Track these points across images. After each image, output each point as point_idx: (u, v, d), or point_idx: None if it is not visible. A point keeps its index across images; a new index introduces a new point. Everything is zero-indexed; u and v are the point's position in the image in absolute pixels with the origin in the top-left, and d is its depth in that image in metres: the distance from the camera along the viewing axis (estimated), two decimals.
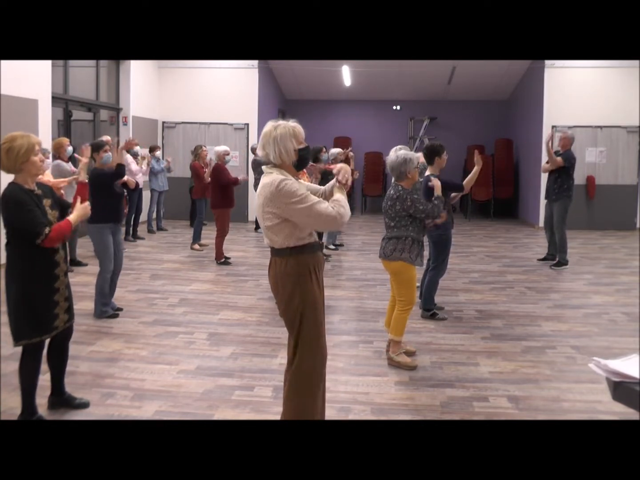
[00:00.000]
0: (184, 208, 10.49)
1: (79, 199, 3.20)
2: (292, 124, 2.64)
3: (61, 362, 3.29)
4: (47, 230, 2.87)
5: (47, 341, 3.16)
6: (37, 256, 2.95)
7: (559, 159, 7.13)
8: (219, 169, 7.30)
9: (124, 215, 5.33)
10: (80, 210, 3.13)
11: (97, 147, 5.02)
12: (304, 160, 2.68)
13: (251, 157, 10.60)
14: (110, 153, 4.96)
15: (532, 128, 11.00)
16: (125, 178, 5.11)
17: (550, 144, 7.25)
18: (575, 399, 3.51)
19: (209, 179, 7.75)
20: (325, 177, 7.04)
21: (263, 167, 2.69)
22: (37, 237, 2.85)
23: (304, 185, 2.72)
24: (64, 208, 3.20)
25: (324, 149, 7.69)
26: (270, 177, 2.59)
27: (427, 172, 4.94)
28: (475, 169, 5.18)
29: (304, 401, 2.72)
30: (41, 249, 2.93)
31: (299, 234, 2.62)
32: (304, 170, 4.81)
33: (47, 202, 3.04)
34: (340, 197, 2.67)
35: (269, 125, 2.63)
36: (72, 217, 3.07)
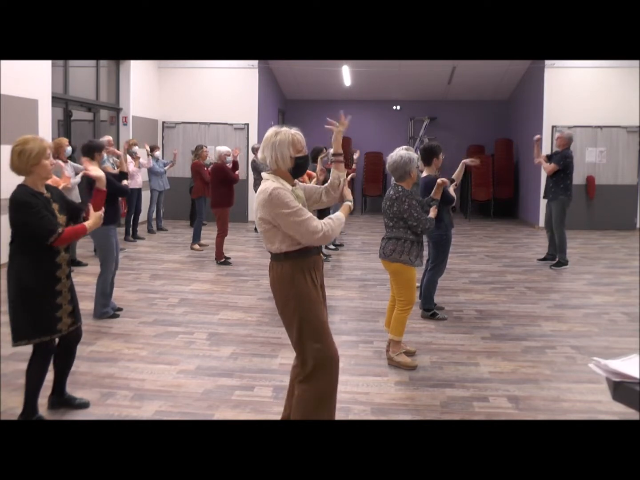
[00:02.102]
0: (184, 208, 10.49)
1: (91, 207, 3.24)
2: (293, 131, 2.67)
3: (66, 364, 3.29)
4: (60, 230, 2.92)
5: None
6: (39, 258, 2.94)
7: (551, 166, 7.14)
8: (220, 168, 7.30)
9: (122, 216, 5.35)
10: (96, 218, 3.18)
11: (99, 148, 5.00)
12: (300, 168, 2.70)
13: (251, 157, 10.61)
14: (106, 154, 4.95)
15: (532, 128, 10.99)
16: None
17: (538, 148, 7.41)
18: (575, 399, 3.51)
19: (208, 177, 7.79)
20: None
21: (262, 174, 2.72)
22: (50, 235, 2.88)
23: (301, 191, 2.75)
24: (72, 210, 3.20)
25: (325, 150, 7.69)
26: (265, 184, 2.63)
27: (425, 173, 4.92)
28: (460, 168, 5.30)
29: (318, 406, 2.68)
30: (44, 251, 2.93)
31: (292, 239, 2.62)
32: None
33: (55, 206, 3.04)
34: (340, 216, 2.74)
35: (271, 131, 2.67)
36: (88, 223, 3.13)
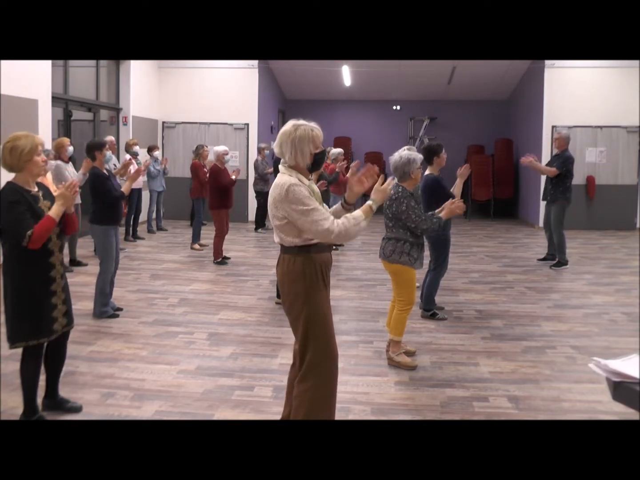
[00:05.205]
0: (184, 208, 10.48)
1: (55, 189, 3.14)
2: (312, 125, 2.63)
3: (57, 364, 3.25)
4: (29, 232, 2.80)
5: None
6: (31, 257, 2.90)
7: (553, 169, 7.11)
8: (217, 171, 7.26)
9: (123, 216, 5.32)
10: (59, 199, 2.93)
11: (99, 147, 4.97)
12: (318, 163, 2.69)
13: (252, 157, 10.61)
14: (110, 152, 4.91)
15: (532, 128, 11.00)
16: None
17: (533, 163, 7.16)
18: (575, 399, 3.51)
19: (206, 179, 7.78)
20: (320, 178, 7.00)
21: (280, 167, 2.67)
22: (22, 239, 2.80)
23: (315, 186, 2.73)
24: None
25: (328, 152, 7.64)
26: (282, 178, 2.59)
27: (427, 172, 4.95)
28: (458, 182, 4.98)
29: (318, 405, 2.67)
30: (37, 252, 2.89)
31: (307, 234, 2.61)
32: None
33: (45, 204, 2.99)
34: (358, 215, 2.60)
35: (290, 125, 2.62)
36: (51, 212, 2.91)
